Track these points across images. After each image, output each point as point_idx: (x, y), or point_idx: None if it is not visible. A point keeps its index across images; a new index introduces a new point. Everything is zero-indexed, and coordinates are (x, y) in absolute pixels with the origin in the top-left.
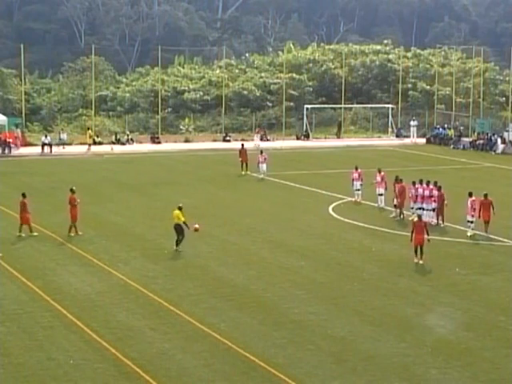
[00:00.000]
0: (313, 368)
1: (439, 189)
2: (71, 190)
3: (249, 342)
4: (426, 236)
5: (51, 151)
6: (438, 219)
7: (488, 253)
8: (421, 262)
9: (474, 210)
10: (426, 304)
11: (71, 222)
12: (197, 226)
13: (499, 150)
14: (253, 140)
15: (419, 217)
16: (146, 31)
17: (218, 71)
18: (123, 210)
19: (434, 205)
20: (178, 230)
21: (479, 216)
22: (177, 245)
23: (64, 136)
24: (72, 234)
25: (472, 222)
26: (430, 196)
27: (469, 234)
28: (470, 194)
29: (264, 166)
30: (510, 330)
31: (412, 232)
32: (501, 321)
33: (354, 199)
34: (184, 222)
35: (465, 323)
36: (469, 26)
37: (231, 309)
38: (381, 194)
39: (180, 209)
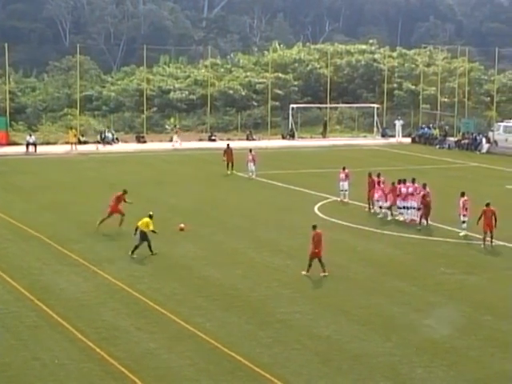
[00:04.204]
0: (299, 367)
1: (424, 186)
2: (124, 191)
3: (235, 341)
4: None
5: (35, 150)
6: (421, 219)
7: (474, 252)
8: (322, 274)
9: (466, 209)
10: (412, 303)
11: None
12: (182, 225)
13: (484, 150)
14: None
15: (314, 227)
16: (131, 30)
17: (203, 70)
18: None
19: (418, 204)
20: (143, 237)
21: (485, 226)
22: (132, 252)
23: (109, 135)
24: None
25: (464, 222)
26: (413, 194)
27: (461, 234)
28: (463, 194)
29: (253, 166)
30: (496, 329)
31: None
32: (487, 320)
33: (339, 199)
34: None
35: (450, 322)
36: (454, 26)
37: (217, 308)
38: (377, 201)
39: (151, 217)
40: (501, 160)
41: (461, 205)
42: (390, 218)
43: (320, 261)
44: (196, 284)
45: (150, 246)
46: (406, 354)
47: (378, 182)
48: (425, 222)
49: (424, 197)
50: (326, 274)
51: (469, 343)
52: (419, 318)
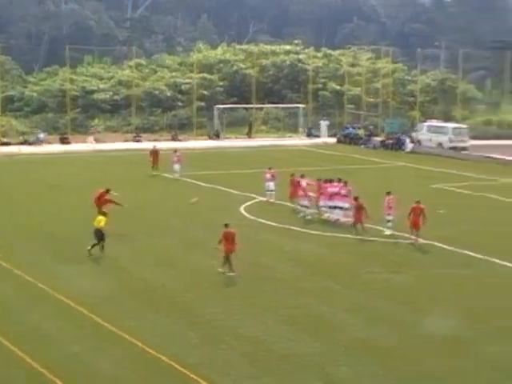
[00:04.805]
0: (225, 368)
1: (345, 184)
2: (107, 190)
3: (162, 343)
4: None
5: None
6: (355, 223)
7: (401, 251)
8: (231, 273)
9: (390, 208)
10: (340, 303)
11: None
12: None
13: (408, 149)
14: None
15: (226, 225)
16: (53, 30)
17: (127, 71)
18: (34, 210)
19: (348, 204)
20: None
21: (412, 224)
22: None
23: (42, 136)
24: None
25: (389, 221)
26: (344, 195)
27: (387, 233)
28: (388, 193)
29: (178, 166)
30: (424, 327)
31: (226, 240)
32: (414, 318)
33: (266, 199)
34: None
35: (377, 321)
36: (377, 27)
37: (146, 310)
38: (305, 206)
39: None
40: (425, 159)
41: (386, 204)
42: (309, 216)
43: (228, 259)
44: (126, 286)
45: (94, 245)
46: (334, 353)
47: (298, 182)
48: (359, 225)
49: (356, 199)
50: (231, 273)
51: (397, 342)
52: (347, 318)
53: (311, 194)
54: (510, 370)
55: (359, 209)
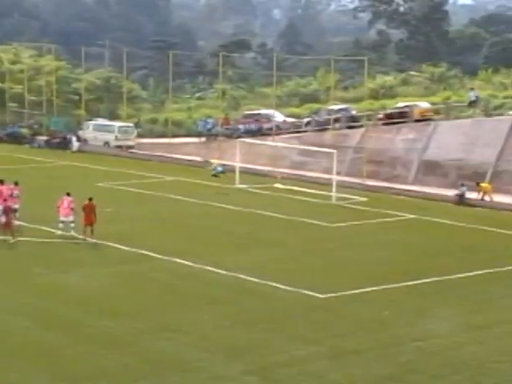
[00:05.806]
0: None
1: (15, 185)
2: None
3: None
4: None
5: None
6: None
7: (71, 250)
8: None
9: (71, 209)
10: (7, 306)
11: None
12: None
13: (75, 148)
14: None
15: None
16: None
17: None
18: None
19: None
20: None
21: (85, 222)
22: None
23: None
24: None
25: (63, 222)
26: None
27: (58, 233)
28: (68, 194)
29: None
30: (88, 325)
31: None
32: (80, 317)
33: None
34: None
35: (45, 323)
36: (40, 24)
37: None
38: None
39: None
40: (91, 158)
41: (65, 204)
42: None
43: None
44: None
45: None
46: (2, 359)
47: None
48: (13, 225)
49: (6, 200)
50: None
51: (63, 342)
52: (17, 321)
53: None
54: (168, 364)
55: (8, 211)
